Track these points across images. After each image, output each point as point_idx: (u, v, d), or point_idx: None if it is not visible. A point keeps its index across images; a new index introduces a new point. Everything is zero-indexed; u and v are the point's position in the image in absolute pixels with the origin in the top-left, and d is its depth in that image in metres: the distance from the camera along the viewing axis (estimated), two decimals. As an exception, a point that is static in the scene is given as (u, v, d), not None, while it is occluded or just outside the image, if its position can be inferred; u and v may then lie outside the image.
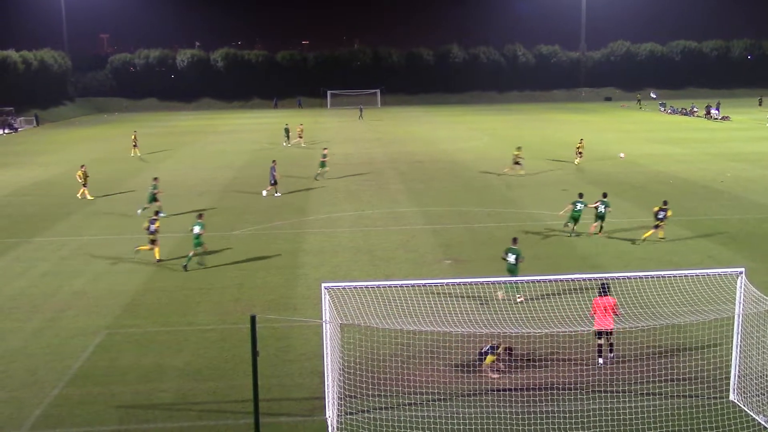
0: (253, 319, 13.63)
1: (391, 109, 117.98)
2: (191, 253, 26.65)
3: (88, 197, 40.64)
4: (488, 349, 17.36)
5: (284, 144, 66.27)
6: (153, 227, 27.35)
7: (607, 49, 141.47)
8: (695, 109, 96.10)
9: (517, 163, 46.12)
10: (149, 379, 17.53)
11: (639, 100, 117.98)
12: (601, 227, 30.44)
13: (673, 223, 32.23)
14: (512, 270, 22.37)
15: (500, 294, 21.70)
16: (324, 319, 15.03)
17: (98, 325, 21.05)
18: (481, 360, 17.43)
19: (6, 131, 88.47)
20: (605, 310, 17.43)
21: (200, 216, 27.74)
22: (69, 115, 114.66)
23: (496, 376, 17.17)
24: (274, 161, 42.62)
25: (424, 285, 18.02)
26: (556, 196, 39.37)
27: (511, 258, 22.43)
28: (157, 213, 30.95)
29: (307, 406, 16.01)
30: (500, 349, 17.34)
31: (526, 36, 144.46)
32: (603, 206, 30.14)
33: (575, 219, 30.31)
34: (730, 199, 37.59)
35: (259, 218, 35.16)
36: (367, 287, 17.18)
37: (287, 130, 67.84)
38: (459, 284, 21.37)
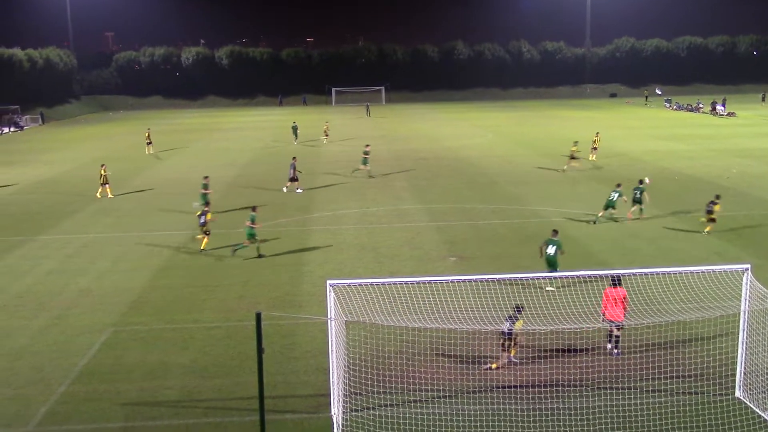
0: (258, 317, 13.64)
1: (396, 106, 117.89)
2: (244, 242, 27.64)
3: (98, 196, 40.46)
4: (511, 320, 17.17)
5: (294, 143, 65.92)
6: (203, 219, 28.98)
7: (612, 45, 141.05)
8: (701, 105, 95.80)
9: (573, 158, 46.07)
10: (155, 376, 17.57)
11: (647, 97, 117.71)
12: (641, 210, 32.39)
13: (679, 219, 32.20)
14: (552, 261, 22.87)
15: (550, 288, 22.62)
16: (329, 317, 15.04)
17: (104, 323, 21.11)
18: (509, 337, 17.09)
19: (12, 129, 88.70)
20: (615, 300, 17.47)
21: (254, 209, 28.37)
22: (74, 113, 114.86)
23: (517, 355, 17.45)
24: (294, 158, 42.98)
25: (429, 282, 18.00)
26: (560, 192, 39.36)
27: (551, 249, 22.90)
28: (206, 205, 31.64)
29: (313, 403, 16.03)
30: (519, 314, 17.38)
31: (531, 32, 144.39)
32: (638, 192, 32.33)
33: (606, 207, 32.01)
34: (735, 196, 37.46)
35: (263, 216, 35.06)
36: (372, 284, 17.19)
37: (295, 128, 67.52)
38: (464, 281, 21.34)
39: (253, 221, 27.51)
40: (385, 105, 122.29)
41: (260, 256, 27.53)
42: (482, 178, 44.95)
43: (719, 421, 14.59)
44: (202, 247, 28.83)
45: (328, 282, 15.18)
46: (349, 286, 15.97)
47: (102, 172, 40.74)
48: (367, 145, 48.08)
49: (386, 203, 37.60)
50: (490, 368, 17.32)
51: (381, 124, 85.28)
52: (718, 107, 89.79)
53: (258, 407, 14.02)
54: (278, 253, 28.31)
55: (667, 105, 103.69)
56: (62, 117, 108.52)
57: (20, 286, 24.84)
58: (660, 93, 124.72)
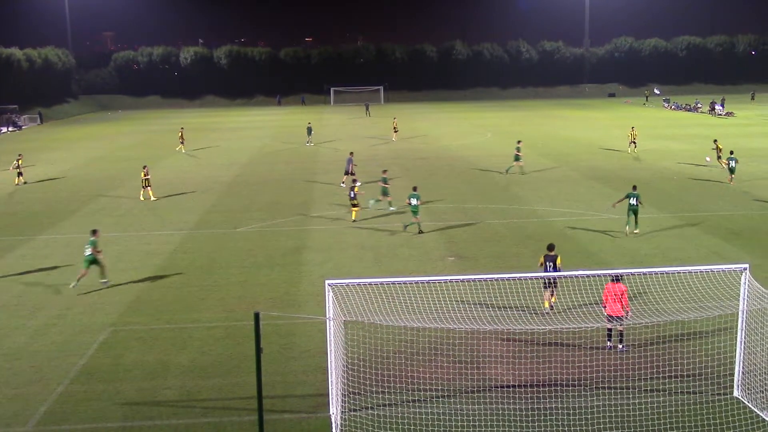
0: (256, 316, 13.64)
1: (395, 106, 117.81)
2: (413, 220, 30.75)
3: (152, 198, 39.43)
4: (550, 259, 20.25)
5: (306, 144, 64.71)
6: (353, 194, 33.37)
7: (611, 44, 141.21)
8: (699, 105, 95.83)
9: (719, 156, 45.05)
10: (154, 376, 17.56)
11: (647, 97, 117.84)
12: (732, 178, 40.50)
13: (678, 219, 32.23)
14: (635, 210, 29.39)
15: (627, 229, 29.48)
16: (328, 316, 15.04)
17: (103, 323, 21.09)
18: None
19: (10, 129, 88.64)
20: (615, 296, 17.55)
21: (415, 189, 31.60)
22: (73, 112, 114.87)
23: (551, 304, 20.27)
24: (351, 153, 44.39)
25: (428, 282, 18.00)
26: (559, 192, 39.37)
27: (633, 201, 29.35)
28: (354, 182, 34.91)
29: (311, 402, 16.03)
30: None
31: (530, 32, 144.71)
32: (733, 162, 40.55)
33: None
34: (733, 195, 37.50)
35: (262, 215, 35.19)
36: (371, 284, 17.18)
37: (310, 129, 66.77)
38: (463, 281, 21.35)
39: (417, 199, 30.61)
40: (384, 104, 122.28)
41: (420, 232, 30.66)
42: (482, 177, 44.96)
43: (717, 421, 14.59)
44: (353, 218, 32.93)
45: (327, 282, 15.17)
46: (347, 285, 15.96)
47: (143, 174, 39.80)
48: (519, 142, 47.00)
49: (385, 202, 37.53)
50: (545, 308, 20.14)
51: (380, 124, 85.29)
52: (717, 107, 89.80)
53: (256, 407, 14.02)
54: (277, 252, 28.32)
55: (666, 105, 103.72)
56: (61, 117, 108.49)
57: (19, 285, 24.81)
58: (659, 93, 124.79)
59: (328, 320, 15.09)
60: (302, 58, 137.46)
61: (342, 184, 42.24)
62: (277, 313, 21.09)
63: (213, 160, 55.81)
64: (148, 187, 39.66)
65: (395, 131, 68.19)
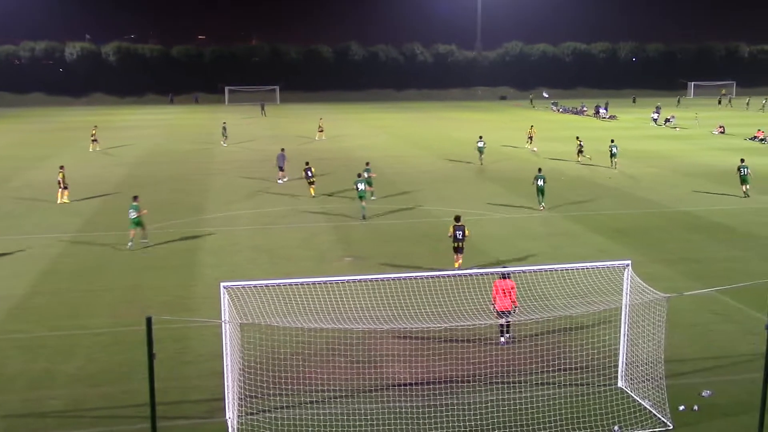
0: (148, 321, 13.26)
1: (291, 106, 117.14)
2: (363, 203, 33.44)
3: (65, 200, 37.40)
4: (460, 229, 24.25)
5: (222, 143, 63.75)
6: (310, 174, 38.36)
7: (502, 49, 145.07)
8: (585, 109, 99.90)
9: (581, 151, 51.10)
10: (39, 386, 16.79)
11: (531, 99, 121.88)
12: (615, 164, 47.59)
13: (565, 218, 33.49)
14: (542, 190, 34.53)
15: (542, 206, 34.67)
16: (223, 319, 14.80)
17: (-19, 331, 19.99)
18: (462, 241, 24.43)
19: None
20: (504, 292, 18.12)
21: (359, 175, 34.91)
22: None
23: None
24: (282, 149, 45.21)
25: (324, 282, 17.99)
26: (452, 192, 40.17)
27: (541, 182, 34.43)
28: (307, 164, 39.45)
29: (207, 407, 15.74)
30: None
31: (424, 35, 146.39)
32: (614, 148, 47.73)
33: (743, 182, 38.08)
34: (617, 195, 39.30)
35: (154, 217, 34.13)
36: (267, 286, 17.03)
37: (225, 128, 65.69)
38: (359, 281, 21.43)
39: (369, 184, 35.04)
40: (280, 105, 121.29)
41: (363, 217, 33.21)
42: (378, 178, 45.18)
43: (603, 411, 15.26)
44: (312, 194, 37.94)
45: (222, 284, 14.93)
46: (243, 288, 15.76)
47: (60, 176, 37.59)
48: (480, 136, 52.15)
49: (281, 204, 37.32)
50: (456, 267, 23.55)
51: (277, 124, 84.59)
52: (601, 110, 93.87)
53: (149, 414, 13.63)
54: (170, 255, 27.64)
55: (554, 108, 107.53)
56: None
57: None
58: (547, 96, 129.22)
59: (223, 323, 14.86)
60: (195, 56, 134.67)
61: (279, 181, 43.29)
62: (170, 317, 20.55)
63: (102, 161, 53.86)
64: (65, 189, 37.71)
65: (320, 131, 68.79)
